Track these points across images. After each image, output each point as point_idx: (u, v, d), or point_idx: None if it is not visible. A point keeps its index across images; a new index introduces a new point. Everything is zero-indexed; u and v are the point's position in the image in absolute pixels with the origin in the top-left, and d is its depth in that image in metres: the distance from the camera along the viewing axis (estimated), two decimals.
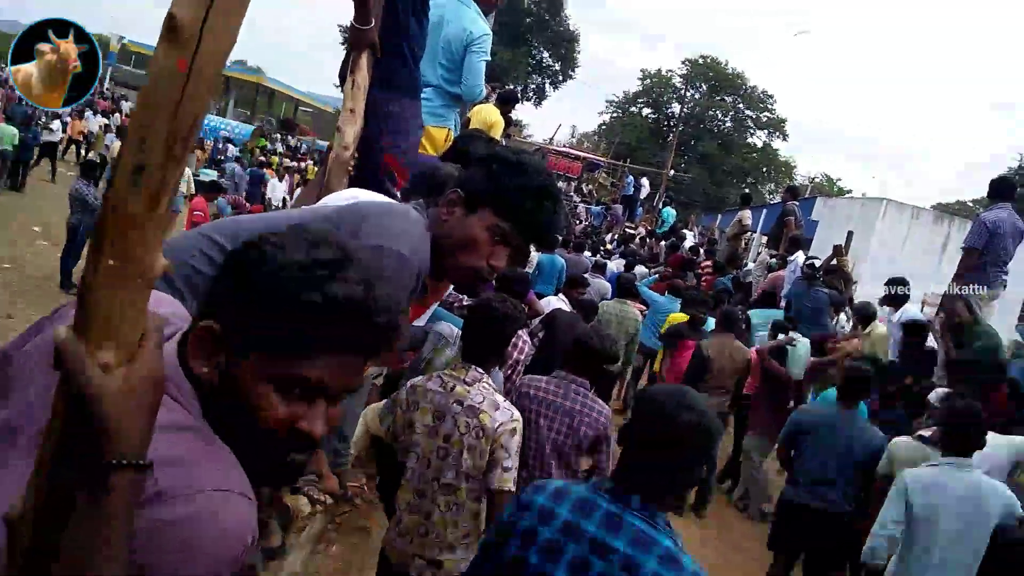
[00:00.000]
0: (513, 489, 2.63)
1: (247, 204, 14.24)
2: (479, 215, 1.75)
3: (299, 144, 30.18)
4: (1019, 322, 14.97)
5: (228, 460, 0.95)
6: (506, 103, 8.36)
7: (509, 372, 4.35)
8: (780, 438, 4.94)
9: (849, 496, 4.53)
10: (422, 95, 4.55)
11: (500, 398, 2.77)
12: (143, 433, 0.82)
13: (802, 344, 7.35)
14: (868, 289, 14.06)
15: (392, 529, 2.82)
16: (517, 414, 2.75)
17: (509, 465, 2.66)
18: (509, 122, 8.61)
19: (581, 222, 24.44)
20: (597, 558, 1.63)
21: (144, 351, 0.83)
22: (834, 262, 9.31)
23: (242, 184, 18.03)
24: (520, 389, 3.65)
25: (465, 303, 4.36)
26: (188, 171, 14.33)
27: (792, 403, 6.95)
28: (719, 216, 26.44)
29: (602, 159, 32.57)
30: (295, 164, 23.01)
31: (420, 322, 2.56)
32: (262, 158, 21.79)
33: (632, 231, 19.21)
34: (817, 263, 9.55)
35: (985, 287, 6.36)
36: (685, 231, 16.60)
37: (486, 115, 7.68)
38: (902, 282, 7.18)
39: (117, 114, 22.95)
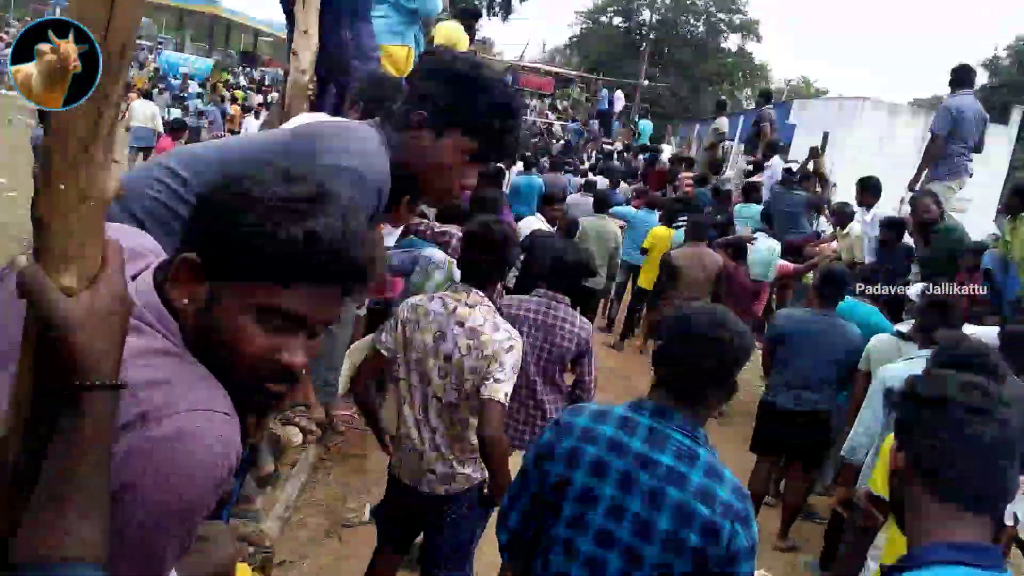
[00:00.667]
0: (504, 401, 2.65)
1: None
2: (448, 136, 1.73)
3: (262, 76, 29.36)
4: (997, 215, 15.12)
5: (210, 382, 0.98)
6: (470, 19, 8.07)
7: None
8: (763, 343, 4.95)
9: (831, 396, 4.58)
10: (379, 12, 4.38)
11: (500, 320, 2.80)
12: (112, 354, 0.84)
13: (764, 245, 7.34)
14: (850, 190, 14.02)
15: (399, 448, 2.86)
16: (516, 334, 2.79)
17: (501, 377, 2.67)
18: (473, 36, 8.34)
19: (558, 140, 24.18)
20: (643, 472, 1.70)
21: (106, 273, 0.84)
22: (811, 165, 9.24)
23: (217, 121, 17.55)
24: (502, 310, 3.60)
25: (438, 230, 4.29)
26: (155, 108, 13.90)
27: (758, 304, 6.98)
28: (697, 125, 26.15)
29: (575, 73, 31.99)
30: (261, 97, 22.43)
31: (391, 240, 2.52)
32: (225, 92, 21.19)
33: (610, 146, 18.99)
34: (795, 167, 9.49)
35: (953, 177, 6.40)
36: (663, 144, 16.40)
37: (449, 32, 7.43)
38: (870, 183, 7.13)
39: None
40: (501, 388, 2.66)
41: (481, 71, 1.74)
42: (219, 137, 14.26)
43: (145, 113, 12.85)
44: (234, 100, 20.29)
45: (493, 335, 2.70)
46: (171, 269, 1.01)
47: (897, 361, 3.81)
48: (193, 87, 21.56)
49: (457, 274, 3.87)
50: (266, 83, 26.85)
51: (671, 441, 1.73)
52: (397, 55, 4.45)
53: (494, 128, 1.73)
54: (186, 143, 14.47)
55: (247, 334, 0.98)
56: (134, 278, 1.04)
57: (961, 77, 6.65)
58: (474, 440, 2.72)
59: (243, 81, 27.83)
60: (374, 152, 1.68)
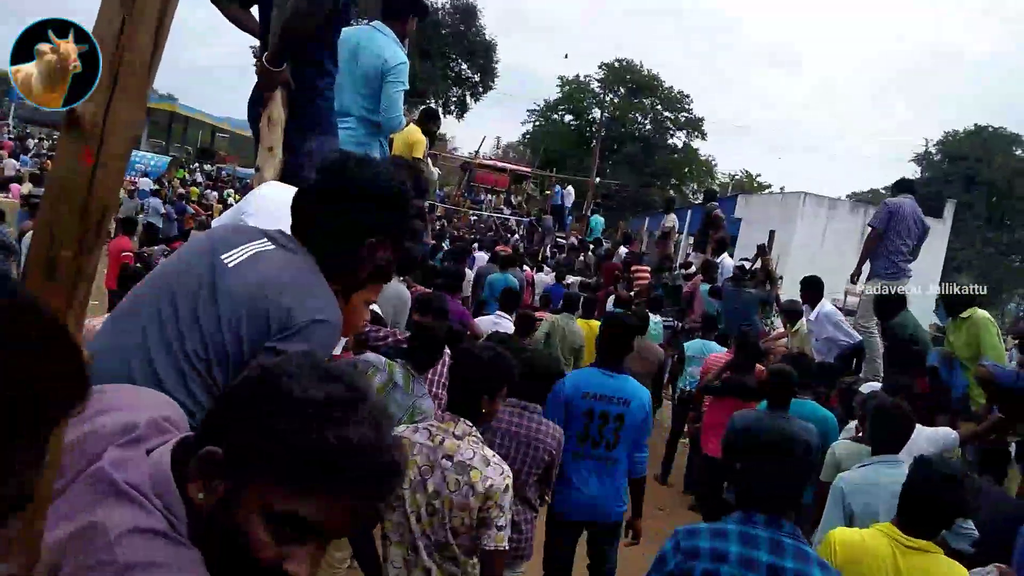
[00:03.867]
0: (507, 547, 2.56)
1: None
2: (379, 251, 1.76)
3: (219, 172, 29.50)
4: (936, 306, 15.67)
5: (200, 571, 0.94)
6: (429, 121, 8.33)
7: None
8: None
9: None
10: (345, 125, 4.50)
11: (490, 452, 2.67)
12: None
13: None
14: (796, 284, 14.49)
15: None
16: (507, 469, 2.65)
17: (503, 523, 2.56)
18: (433, 138, 8.59)
19: (513, 234, 24.59)
20: None
21: None
22: (758, 263, 9.57)
23: (171, 221, 17.42)
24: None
25: (401, 337, 4.30)
26: None
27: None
28: (647, 220, 26.90)
29: (528, 169, 32.83)
30: (217, 195, 22.47)
31: (337, 350, 2.49)
32: (182, 190, 21.20)
33: (563, 241, 19.38)
34: (747, 265, 9.80)
35: (893, 279, 6.68)
36: (631, 235, 16.75)
37: (407, 134, 7.64)
38: (811, 282, 7.40)
39: (25, 155, 21.99)
40: (504, 535, 2.54)
41: (392, 185, 1.75)
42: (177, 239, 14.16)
43: None
44: (190, 198, 20.27)
45: (485, 471, 2.57)
46: (193, 462, 0.98)
47: (854, 467, 3.86)
48: (147, 184, 21.55)
49: (399, 375, 3.71)
50: (223, 179, 26.97)
51: (787, 547, 1.98)
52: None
53: (407, 247, 1.83)
54: (144, 242, 14.36)
55: (259, 539, 0.94)
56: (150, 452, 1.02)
57: (903, 187, 7.10)
58: None
59: (199, 177, 27.92)
60: (329, 293, 1.69)
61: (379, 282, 1.90)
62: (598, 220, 20.67)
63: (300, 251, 1.71)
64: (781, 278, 11.44)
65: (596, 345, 4.30)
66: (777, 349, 7.52)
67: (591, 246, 16.88)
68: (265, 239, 1.70)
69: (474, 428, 2.68)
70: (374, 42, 4.61)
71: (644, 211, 33.81)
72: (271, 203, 2.30)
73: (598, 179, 25.66)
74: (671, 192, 43.02)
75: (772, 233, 11.27)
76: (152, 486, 0.96)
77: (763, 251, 9.57)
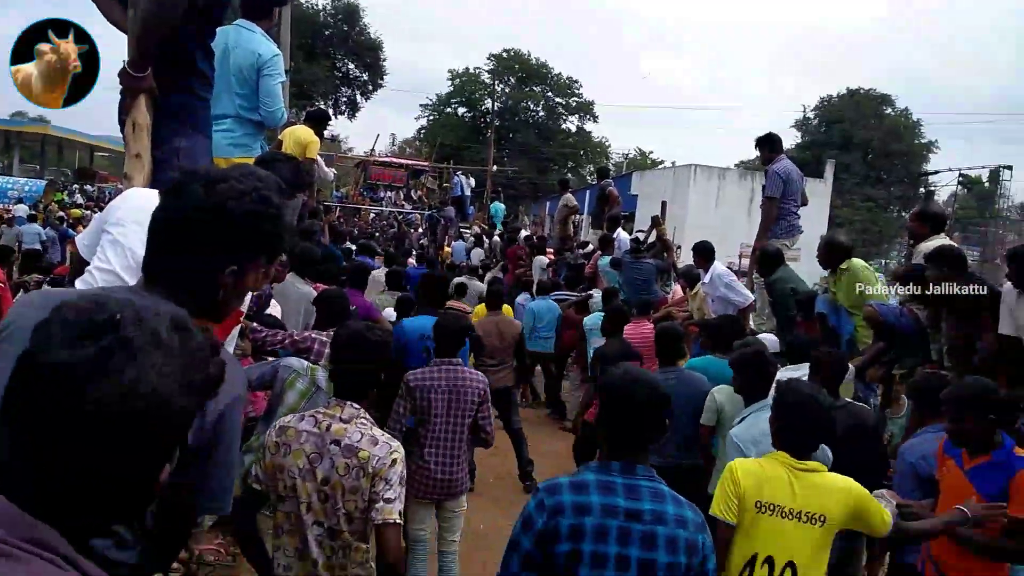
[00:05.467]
0: (399, 520, 2.56)
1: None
2: (249, 272, 1.65)
3: (100, 192, 28.15)
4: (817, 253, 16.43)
5: None
6: (318, 123, 8.19)
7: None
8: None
9: (682, 447, 4.75)
10: (222, 128, 4.38)
11: (378, 432, 2.66)
12: None
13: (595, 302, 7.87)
14: (690, 255, 14.98)
15: None
16: (397, 444, 2.65)
17: (391, 495, 2.55)
18: (323, 139, 8.46)
19: (415, 228, 24.44)
20: (635, 522, 2.03)
21: None
22: (654, 234, 9.83)
23: (54, 247, 16.57)
24: (409, 383, 4.17)
25: (296, 337, 4.24)
26: None
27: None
28: (547, 203, 27.22)
29: (426, 163, 32.65)
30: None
31: (229, 347, 2.42)
32: (61, 213, 20.11)
33: (467, 231, 19.38)
34: (642, 237, 10.05)
35: (788, 235, 7.03)
36: (519, 223, 16.91)
37: (300, 135, 7.51)
38: (701, 249, 7.72)
39: None
40: (394, 508, 2.54)
41: (266, 197, 1.62)
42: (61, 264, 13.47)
43: None
44: (77, 221, 19.27)
45: (372, 450, 2.56)
46: None
47: (735, 422, 4.06)
48: (21, 210, 20.34)
49: (321, 378, 3.87)
50: (106, 198, 25.71)
51: (643, 489, 2.07)
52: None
53: (284, 249, 1.74)
54: (23, 270, 13.54)
55: None
56: None
57: (776, 146, 7.39)
58: (356, 569, 2.61)
59: (80, 199, 26.55)
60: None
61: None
62: (499, 207, 20.76)
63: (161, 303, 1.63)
64: (679, 247, 11.79)
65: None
66: (679, 313, 7.76)
67: (494, 233, 17.01)
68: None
69: (361, 410, 2.67)
70: (245, 40, 4.51)
71: (544, 196, 34.17)
72: (135, 212, 2.22)
73: (495, 167, 25.77)
74: (567, 174, 43.68)
75: (664, 204, 11.60)
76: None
77: (657, 222, 9.84)
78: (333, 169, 13.07)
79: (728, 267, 13.43)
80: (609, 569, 2.00)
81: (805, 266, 8.08)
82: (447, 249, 18.03)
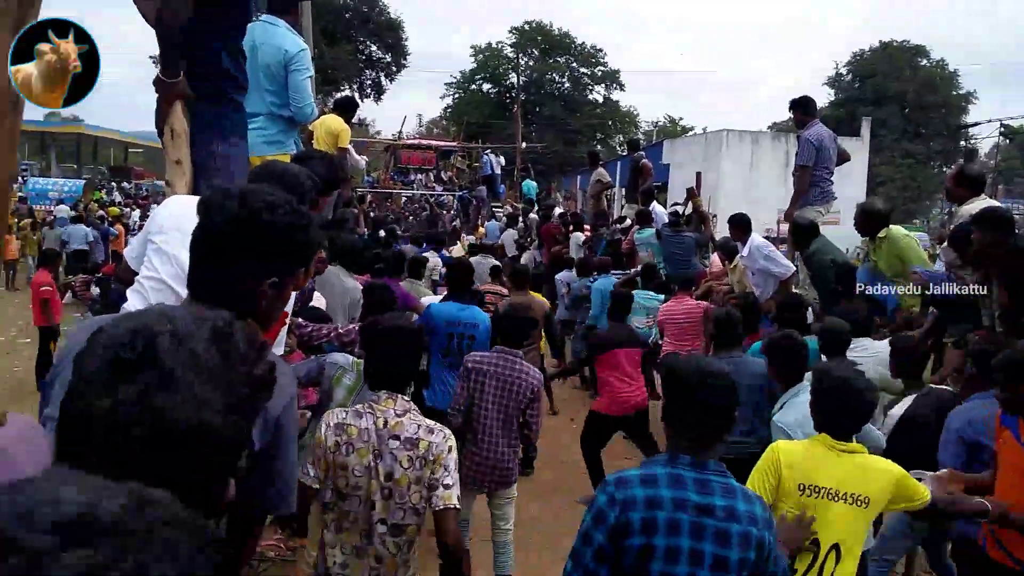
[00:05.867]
0: (458, 505, 2.62)
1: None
2: (288, 283, 1.69)
3: (137, 189, 28.60)
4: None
5: None
6: (346, 110, 8.24)
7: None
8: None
9: (745, 434, 4.69)
10: (255, 126, 4.40)
11: (430, 421, 2.74)
12: None
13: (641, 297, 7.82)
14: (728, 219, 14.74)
15: None
16: (449, 432, 2.73)
17: (449, 481, 2.64)
18: (352, 126, 8.50)
19: (448, 210, 24.45)
20: (707, 517, 2.02)
21: None
22: (690, 206, 9.71)
23: (98, 245, 16.97)
24: (467, 365, 4.35)
25: (341, 330, 4.27)
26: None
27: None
28: (578, 177, 27.03)
29: (454, 143, 32.57)
30: (140, 212, 21.79)
31: (279, 350, 2.45)
32: (101, 212, 20.48)
33: (499, 210, 19.35)
34: (680, 210, 9.93)
35: (822, 202, 6.89)
36: (552, 200, 16.79)
37: (330, 124, 7.55)
38: (736, 221, 7.57)
39: None
40: (453, 493, 2.61)
41: (294, 209, 1.65)
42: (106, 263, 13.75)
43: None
44: (116, 219, 19.64)
45: (430, 439, 2.64)
46: None
47: (777, 412, 3.97)
48: (63, 211, 20.80)
49: None
50: (143, 195, 26.15)
51: (714, 485, 2.06)
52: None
53: (311, 255, 1.77)
54: (69, 271, 13.85)
55: None
56: None
57: (810, 109, 7.20)
58: (415, 560, 2.66)
59: (117, 196, 27.02)
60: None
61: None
62: (531, 184, 20.68)
63: None
64: (714, 216, 11.63)
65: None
66: (719, 287, 7.67)
67: (529, 211, 16.96)
68: None
69: (411, 402, 2.72)
70: (270, 36, 4.51)
71: (573, 170, 33.94)
72: (178, 219, 2.24)
73: (524, 144, 25.63)
74: (597, 147, 43.36)
75: (699, 175, 11.39)
76: None
77: (692, 194, 9.69)
78: (364, 157, 13.09)
79: (766, 235, 13.28)
80: (682, 564, 1.99)
81: (846, 230, 7.90)
82: (481, 230, 18.03)
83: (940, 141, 44.63)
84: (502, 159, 25.41)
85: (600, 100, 51.14)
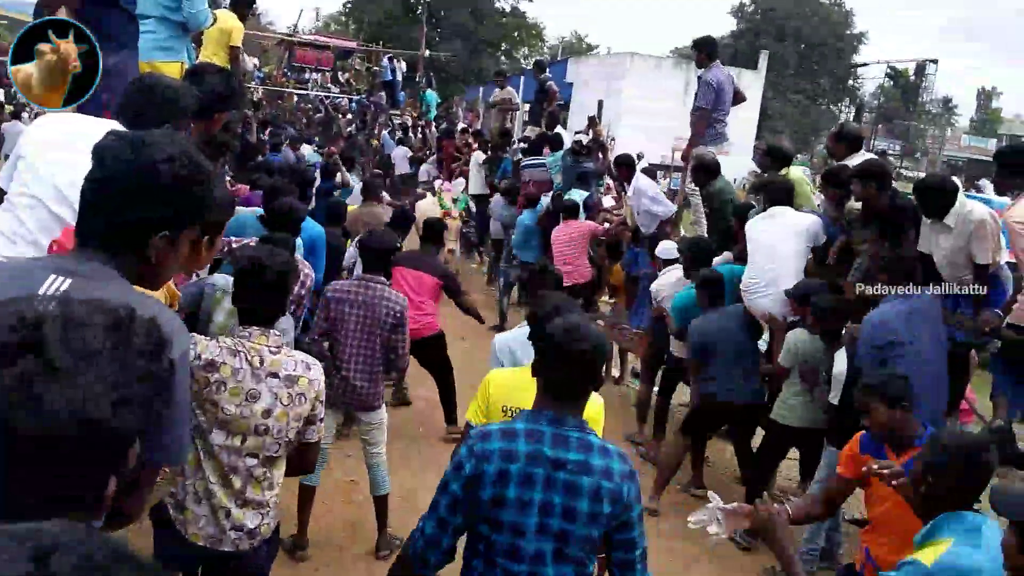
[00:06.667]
0: (322, 436, 2.67)
1: None
2: (182, 238, 1.64)
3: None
4: (754, 153, 16.68)
5: None
6: (240, 5, 7.73)
7: (294, 308, 4.26)
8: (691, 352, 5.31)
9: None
10: (145, 29, 4.11)
11: (302, 355, 2.71)
12: None
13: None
14: (628, 143, 14.93)
15: (193, 511, 2.61)
16: (317, 362, 2.73)
17: (322, 415, 2.70)
18: (246, 18, 7.98)
19: (344, 115, 23.59)
20: (560, 471, 2.08)
21: None
22: (590, 134, 9.77)
23: None
24: (327, 294, 4.31)
25: (236, 245, 4.14)
26: None
27: None
28: (481, 89, 26.55)
29: (353, 44, 31.19)
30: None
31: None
32: None
33: (399, 119, 18.85)
34: (584, 139, 9.99)
35: (715, 143, 7.20)
36: (454, 114, 16.44)
37: (223, 22, 7.10)
38: (620, 161, 7.81)
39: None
40: (322, 427, 2.67)
41: (192, 160, 1.59)
42: None
43: None
44: None
45: (309, 375, 2.64)
46: None
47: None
48: None
49: None
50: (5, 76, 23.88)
51: (571, 440, 2.11)
52: (169, 73, 4.21)
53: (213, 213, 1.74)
54: None
55: None
56: None
57: (711, 51, 7.38)
58: (279, 480, 2.68)
59: None
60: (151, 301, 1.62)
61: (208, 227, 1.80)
62: (432, 96, 20.09)
63: (100, 272, 1.52)
64: (613, 139, 11.74)
65: None
66: (613, 217, 7.87)
67: (429, 124, 16.64)
68: (56, 276, 1.49)
69: (281, 335, 2.67)
70: None
71: (477, 81, 33.30)
72: (63, 138, 2.12)
73: (427, 51, 24.83)
74: (502, 58, 42.56)
75: (600, 103, 11.47)
76: None
77: (593, 123, 9.75)
78: (254, 59, 12.42)
79: (661, 161, 13.52)
80: (533, 515, 2.07)
81: (733, 159, 8.20)
82: (375, 141, 17.58)
83: (830, 80, 46.27)
84: (403, 65, 24.55)
85: (507, 9, 49.86)
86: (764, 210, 5.40)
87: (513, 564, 2.10)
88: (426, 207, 9.52)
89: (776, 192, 5.36)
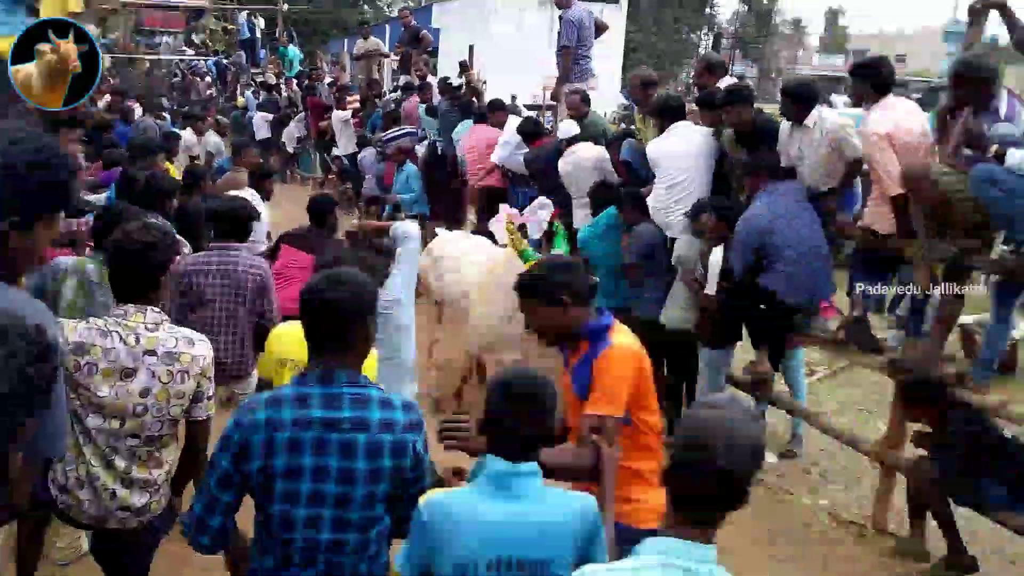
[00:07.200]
0: (212, 413, 2.65)
1: None
2: (38, 226, 1.64)
3: None
4: (622, 88, 17.05)
5: None
6: None
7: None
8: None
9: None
10: None
11: (187, 331, 2.62)
12: None
13: None
14: (499, 88, 14.92)
15: (76, 494, 2.56)
16: (207, 339, 2.66)
17: (211, 393, 2.63)
18: None
19: (203, 78, 22.44)
20: (332, 431, 1.97)
21: None
22: (463, 78, 9.75)
23: None
24: (180, 270, 3.96)
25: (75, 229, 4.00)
26: None
27: None
28: (345, 41, 25.77)
29: (206, 3, 29.49)
30: None
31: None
32: None
33: (261, 78, 18.09)
34: (453, 82, 9.97)
35: (583, 79, 7.43)
36: (322, 69, 15.86)
37: None
38: (492, 105, 8.11)
39: None
40: (212, 403, 2.62)
41: (36, 145, 1.58)
42: None
43: None
44: None
45: (192, 351, 2.55)
46: None
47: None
48: None
49: (92, 271, 3.49)
50: None
51: (343, 397, 1.99)
52: (3, 49, 3.94)
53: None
54: None
55: None
56: None
57: None
58: (169, 458, 2.65)
59: None
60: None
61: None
62: (295, 52, 19.31)
63: None
64: (485, 83, 11.80)
65: None
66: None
67: (294, 81, 16.10)
68: None
69: (161, 312, 2.57)
70: None
71: (341, 33, 32.22)
72: None
73: (286, 5, 23.73)
74: (365, 7, 41.34)
75: (471, 48, 11.41)
76: None
77: (465, 67, 9.74)
78: (93, 27, 11.66)
79: (533, 100, 13.70)
80: (305, 481, 1.97)
81: (598, 94, 8.41)
82: (240, 100, 16.86)
83: (687, 10, 47.39)
84: (261, 21, 23.45)
85: None
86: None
87: (287, 533, 2.00)
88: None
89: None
